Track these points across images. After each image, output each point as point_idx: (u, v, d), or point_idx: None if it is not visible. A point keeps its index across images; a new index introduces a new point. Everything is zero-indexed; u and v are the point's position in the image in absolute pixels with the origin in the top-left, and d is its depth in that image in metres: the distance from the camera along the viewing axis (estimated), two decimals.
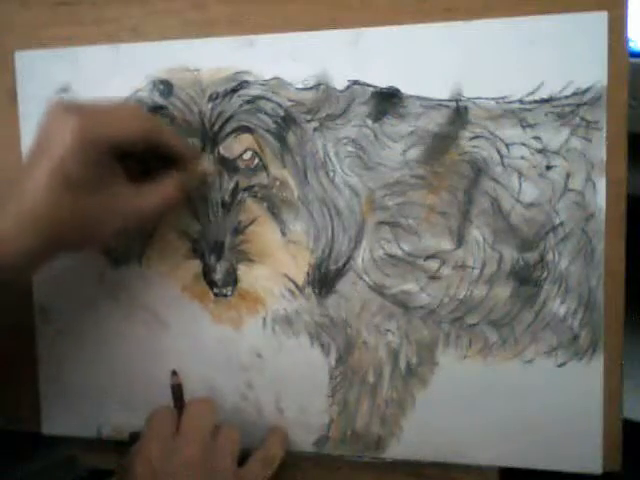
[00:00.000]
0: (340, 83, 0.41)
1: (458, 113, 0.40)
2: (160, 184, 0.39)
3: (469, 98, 0.40)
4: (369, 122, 0.41)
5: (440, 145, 0.40)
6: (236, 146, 0.42)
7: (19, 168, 0.40)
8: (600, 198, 0.39)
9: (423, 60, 0.40)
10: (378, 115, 0.41)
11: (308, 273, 0.42)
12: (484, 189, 0.40)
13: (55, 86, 0.45)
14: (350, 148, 0.41)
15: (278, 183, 0.42)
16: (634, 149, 0.39)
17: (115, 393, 0.46)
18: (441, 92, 0.40)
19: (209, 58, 0.43)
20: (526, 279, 0.40)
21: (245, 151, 0.42)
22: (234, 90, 0.42)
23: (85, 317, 0.46)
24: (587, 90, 0.38)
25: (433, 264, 0.41)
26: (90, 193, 0.36)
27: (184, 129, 0.43)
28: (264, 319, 0.43)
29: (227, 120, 0.42)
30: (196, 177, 0.42)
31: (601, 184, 0.39)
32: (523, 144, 0.39)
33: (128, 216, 0.38)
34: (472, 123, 0.40)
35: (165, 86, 0.43)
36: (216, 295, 0.44)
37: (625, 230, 0.39)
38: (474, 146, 0.40)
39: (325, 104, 0.41)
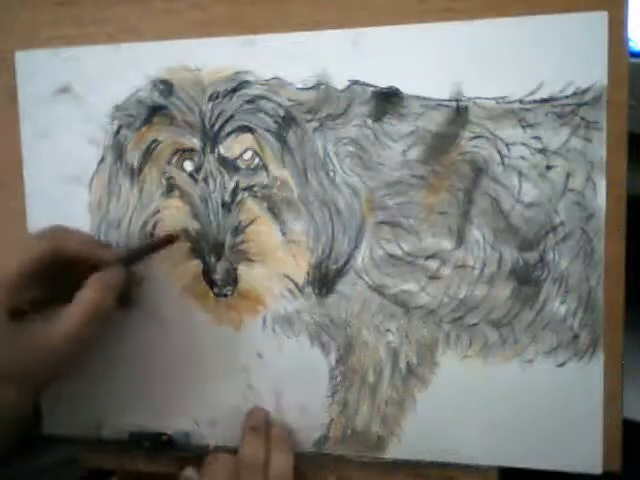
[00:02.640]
0: (340, 83, 0.41)
1: (458, 113, 0.40)
2: (80, 294, 0.37)
3: (469, 98, 0.40)
4: (369, 122, 0.41)
5: (440, 145, 0.40)
6: (236, 146, 0.42)
7: None
8: (600, 198, 0.39)
9: (423, 60, 0.40)
10: (378, 115, 0.41)
11: (308, 273, 0.42)
12: (484, 189, 0.40)
13: (55, 86, 0.45)
14: (350, 148, 0.41)
15: (278, 183, 0.42)
16: (634, 149, 0.39)
17: (115, 393, 0.46)
18: (441, 92, 0.40)
19: (209, 58, 0.43)
20: (526, 279, 0.40)
21: (245, 151, 0.42)
22: (234, 90, 0.42)
23: None
24: (587, 90, 0.38)
25: (433, 264, 0.41)
26: (15, 336, 0.36)
27: (184, 129, 0.43)
28: (264, 319, 0.43)
29: (227, 120, 0.42)
30: (117, 275, 0.39)
31: (601, 184, 0.39)
32: (523, 144, 0.39)
33: (57, 347, 0.36)
34: (472, 123, 0.40)
35: (165, 86, 0.43)
36: (216, 295, 0.44)
37: (625, 230, 0.39)
38: (474, 146, 0.40)
39: (325, 104, 0.41)
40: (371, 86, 0.41)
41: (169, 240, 0.43)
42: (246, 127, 0.42)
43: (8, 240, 0.47)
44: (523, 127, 0.39)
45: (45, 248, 0.37)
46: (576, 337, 0.40)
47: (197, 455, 0.44)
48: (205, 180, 0.43)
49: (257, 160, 0.42)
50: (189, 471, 0.44)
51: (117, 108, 0.44)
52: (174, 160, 0.44)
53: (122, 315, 0.45)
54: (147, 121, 0.44)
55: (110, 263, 0.40)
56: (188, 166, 0.43)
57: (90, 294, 0.37)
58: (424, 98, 0.40)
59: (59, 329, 0.36)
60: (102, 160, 0.45)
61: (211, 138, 0.43)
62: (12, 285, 0.37)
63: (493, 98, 0.39)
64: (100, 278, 0.38)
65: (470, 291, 0.41)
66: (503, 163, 0.40)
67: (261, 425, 0.43)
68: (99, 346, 0.46)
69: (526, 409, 0.41)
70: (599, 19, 0.38)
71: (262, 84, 0.42)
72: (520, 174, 0.40)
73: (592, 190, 0.39)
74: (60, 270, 0.38)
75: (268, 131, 0.42)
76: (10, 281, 0.37)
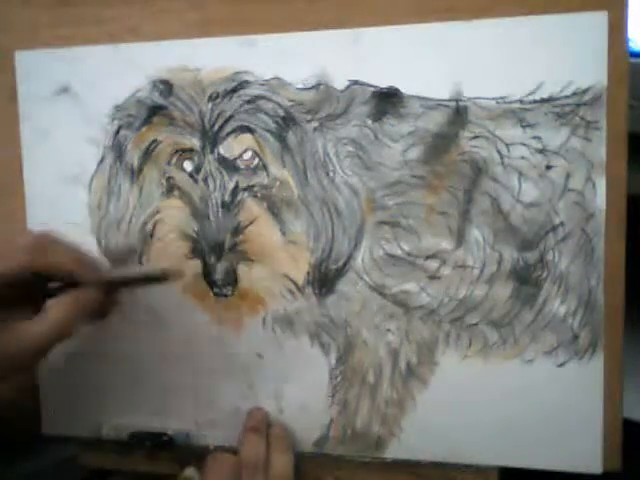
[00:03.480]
0: (340, 83, 0.41)
1: (458, 113, 0.40)
2: (50, 310, 0.36)
3: (469, 98, 0.40)
4: (369, 122, 0.41)
5: (440, 145, 0.40)
6: (236, 146, 0.42)
7: None
8: (600, 198, 0.39)
9: (423, 60, 0.40)
10: (378, 115, 0.41)
11: (308, 273, 0.42)
12: (484, 189, 0.40)
13: (55, 86, 0.45)
14: (350, 148, 0.41)
15: (278, 183, 0.42)
16: (634, 149, 0.39)
17: (115, 393, 0.46)
18: (441, 92, 0.40)
19: (209, 58, 0.43)
20: (526, 279, 0.40)
21: (245, 151, 0.42)
22: (234, 90, 0.42)
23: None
24: (587, 90, 0.38)
25: (433, 264, 0.41)
26: None
27: (184, 129, 0.43)
28: (264, 319, 0.43)
29: (227, 120, 0.42)
30: (94, 299, 0.38)
31: (601, 184, 0.39)
32: (523, 144, 0.39)
33: (22, 346, 0.36)
34: (472, 123, 0.40)
35: (165, 86, 0.43)
36: (216, 295, 0.44)
37: (625, 230, 0.39)
38: (474, 146, 0.40)
39: (325, 104, 0.41)
40: (371, 86, 0.41)
41: (163, 277, 0.41)
42: (246, 127, 0.42)
43: (8, 240, 0.47)
44: (523, 127, 0.39)
45: (23, 264, 0.36)
46: (576, 337, 0.40)
47: (197, 455, 0.44)
48: (205, 180, 0.43)
49: (257, 160, 0.42)
50: (189, 471, 0.44)
51: (117, 108, 0.44)
52: (174, 160, 0.44)
53: (122, 315, 0.45)
54: (147, 121, 0.44)
55: (90, 284, 0.38)
56: (188, 166, 0.43)
57: (56, 314, 0.36)
58: (424, 98, 0.40)
59: (20, 340, 0.36)
60: (102, 160, 0.45)
61: (211, 138, 0.43)
62: None
63: (493, 98, 0.39)
64: (72, 300, 0.37)
65: (470, 291, 0.41)
66: (503, 163, 0.40)
67: (261, 425, 0.43)
68: (99, 346, 0.46)
69: (526, 409, 0.41)
70: (599, 19, 0.38)
71: (262, 84, 0.42)
72: (520, 174, 0.40)
73: (592, 190, 0.39)
74: (39, 277, 0.37)
75: (268, 131, 0.42)
76: None
